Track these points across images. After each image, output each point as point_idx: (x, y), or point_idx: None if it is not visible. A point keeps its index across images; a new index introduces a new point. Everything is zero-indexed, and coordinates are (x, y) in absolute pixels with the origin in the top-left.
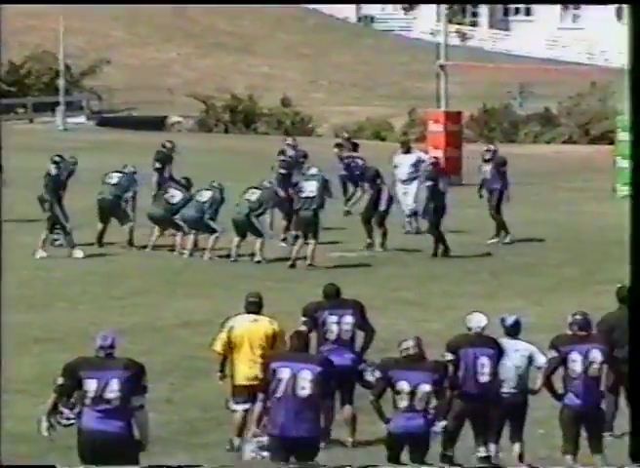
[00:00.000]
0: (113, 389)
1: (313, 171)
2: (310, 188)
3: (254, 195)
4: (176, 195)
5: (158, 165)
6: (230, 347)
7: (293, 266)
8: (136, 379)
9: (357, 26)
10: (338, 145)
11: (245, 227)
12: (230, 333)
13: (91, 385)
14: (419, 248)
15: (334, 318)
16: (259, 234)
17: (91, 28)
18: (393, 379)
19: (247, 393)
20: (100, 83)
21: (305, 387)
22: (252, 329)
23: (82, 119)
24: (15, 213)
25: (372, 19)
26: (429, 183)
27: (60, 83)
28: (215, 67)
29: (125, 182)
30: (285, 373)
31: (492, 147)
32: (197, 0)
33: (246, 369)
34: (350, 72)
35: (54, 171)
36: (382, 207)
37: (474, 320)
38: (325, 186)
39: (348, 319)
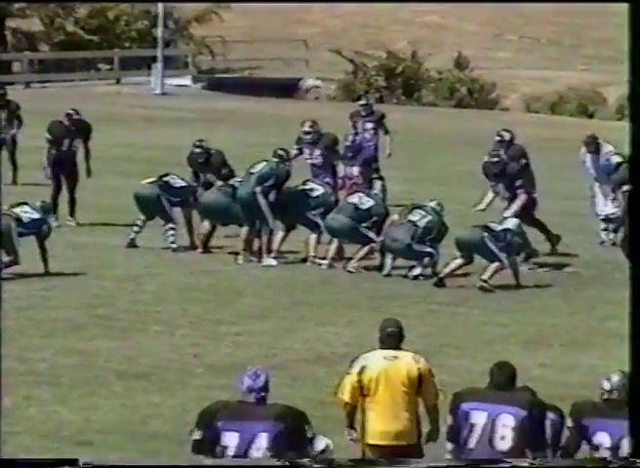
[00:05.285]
0: (260, 447)
1: None
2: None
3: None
4: (316, 189)
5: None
6: (362, 394)
7: (440, 283)
8: (291, 434)
9: None
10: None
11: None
12: (362, 376)
13: (231, 440)
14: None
15: None
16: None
17: None
18: (590, 430)
19: (382, 456)
20: (214, 33)
21: (506, 437)
22: (390, 369)
23: (187, 80)
24: (96, 207)
25: None
26: (626, 188)
27: (159, 31)
28: (366, 14)
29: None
30: (480, 418)
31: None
32: None
33: (381, 423)
34: (548, 24)
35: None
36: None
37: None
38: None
39: None
